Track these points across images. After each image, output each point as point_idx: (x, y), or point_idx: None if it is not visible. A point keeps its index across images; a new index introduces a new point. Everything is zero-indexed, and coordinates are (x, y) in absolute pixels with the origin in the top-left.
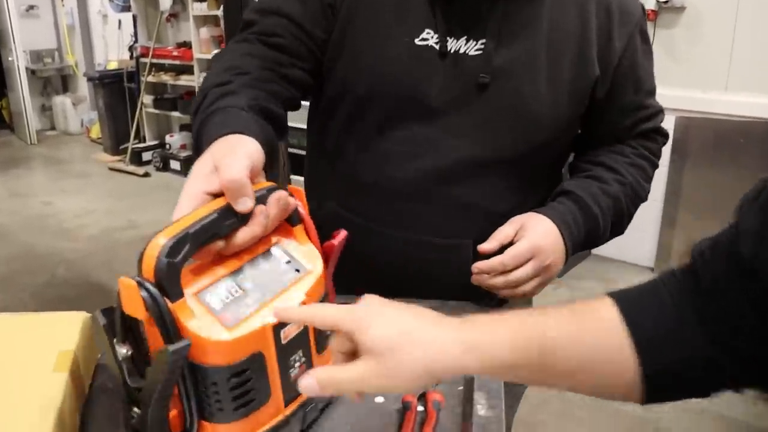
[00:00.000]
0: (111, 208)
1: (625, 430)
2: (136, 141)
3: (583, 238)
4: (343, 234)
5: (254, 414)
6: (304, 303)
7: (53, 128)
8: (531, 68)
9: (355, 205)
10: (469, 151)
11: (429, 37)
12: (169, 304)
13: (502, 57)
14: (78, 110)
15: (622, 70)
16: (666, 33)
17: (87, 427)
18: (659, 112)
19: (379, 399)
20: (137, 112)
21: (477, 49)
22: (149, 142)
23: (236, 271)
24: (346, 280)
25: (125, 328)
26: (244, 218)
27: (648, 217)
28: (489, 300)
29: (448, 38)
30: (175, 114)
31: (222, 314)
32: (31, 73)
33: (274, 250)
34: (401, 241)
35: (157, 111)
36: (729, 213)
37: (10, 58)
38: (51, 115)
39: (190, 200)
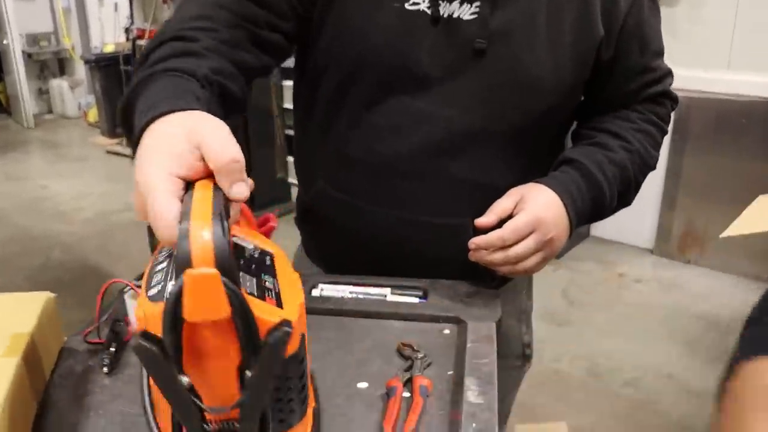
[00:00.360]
0: (107, 191)
1: (623, 413)
2: None
3: (589, 209)
4: (273, 218)
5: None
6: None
7: (50, 112)
8: (530, 31)
9: (346, 184)
10: (465, 122)
11: (420, 1)
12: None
13: (499, 20)
14: (75, 93)
15: (628, 30)
16: (668, 11)
17: (47, 414)
18: (667, 74)
19: (362, 384)
20: None
21: (472, 13)
22: None
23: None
24: (339, 259)
25: (178, 347)
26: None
27: (648, 198)
28: (490, 279)
29: (440, 2)
30: None
31: (266, 299)
32: (28, 56)
33: (234, 239)
34: (395, 221)
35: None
36: (730, 194)
37: (5, 42)
38: (48, 99)
39: (167, 186)
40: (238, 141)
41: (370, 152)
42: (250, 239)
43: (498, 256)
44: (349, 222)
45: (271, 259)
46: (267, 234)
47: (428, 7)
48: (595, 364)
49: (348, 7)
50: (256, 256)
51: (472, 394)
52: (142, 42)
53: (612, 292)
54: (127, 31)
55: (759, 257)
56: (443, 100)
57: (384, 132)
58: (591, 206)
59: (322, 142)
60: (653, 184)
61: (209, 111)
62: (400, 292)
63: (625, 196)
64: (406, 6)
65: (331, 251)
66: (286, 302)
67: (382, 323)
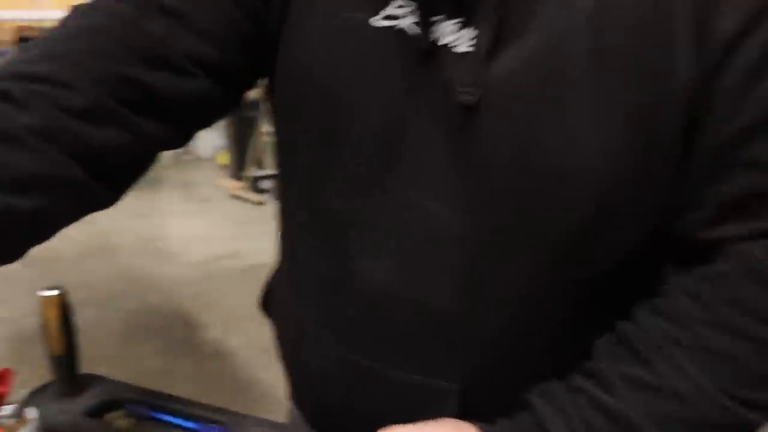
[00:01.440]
0: (220, 235)
1: None
2: (258, 169)
3: None
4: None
5: None
6: None
7: (188, 152)
8: (558, 80)
9: (292, 283)
10: (451, 227)
11: (400, 14)
12: None
13: (506, 60)
14: (210, 136)
15: (732, 79)
16: None
17: None
18: None
19: None
20: (257, 140)
21: (470, 44)
22: (269, 171)
23: None
24: (294, 390)
25: None
26: None
27: None
28: None
29: (432, 18)
30: None
31: None
32: None
33: None
34: (344, 361)
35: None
36: None
37: None
38: None
39: None
40: None
41: (319, 267)
42: None
43: None
44: (292, 341)
45: None
46: None
47: (415, 23)
48: None
49: (301, 18)
50: None
51: None
52: None
53: None
54: None
55: None
56: (420, 186)
57: (336, 226)
58: None
59: (282, 214)
60: None
61: None
62: None
63: None
64: (372, 21)
65: (288, 373)
66: None
67: None
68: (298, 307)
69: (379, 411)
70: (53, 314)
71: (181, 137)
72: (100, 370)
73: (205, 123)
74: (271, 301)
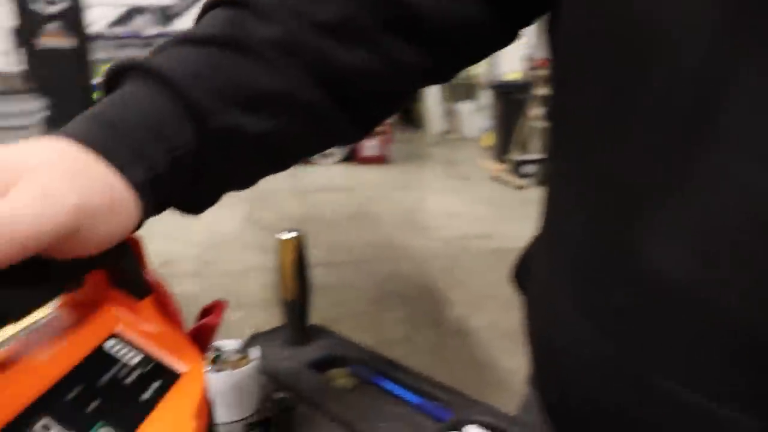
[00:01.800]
0: (476, 215)
1: None
2: (522, 153)
3: None
4: (221, 306)
5: None
6: None
7: (454, 131)
8: None
9: (558, 260)
10: None
11: None
12: None
13: None
14: (477, 117)
15: None
16: None
17: None
18: None
19: None
20: (524, 123)
21: None
22: (533, 155)
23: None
24: (539, 381)
25: None
26: None
27: None
28: None
29: None
30: None
31: None
32: None
33: (109, 345)
34: (609, 364)
35: (546, 125)
36: None
37: None
38: (454, 120)
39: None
40: None
41: (588, 226)
42: (148, 344)
43: None
44: (543, 319)
45: (159, 389)
46: (205, 335)
47: None
48: None
49: None
50: (129, 378)
51: None
52: (540, 72)
53: None
54: (527, 59)
55: None
56: (747, 149)
57: (616, 194)
58: None
59: (550, 175)
60: None
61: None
62: None
63: None
64: None
65: (532, 355)
66: None
67: None
68: (554, 275)
69: (638, 426)
70: (288, 258)
71: (441, 71)
72: (345, 328)
73: (472, 58)
74: (525, 274)
